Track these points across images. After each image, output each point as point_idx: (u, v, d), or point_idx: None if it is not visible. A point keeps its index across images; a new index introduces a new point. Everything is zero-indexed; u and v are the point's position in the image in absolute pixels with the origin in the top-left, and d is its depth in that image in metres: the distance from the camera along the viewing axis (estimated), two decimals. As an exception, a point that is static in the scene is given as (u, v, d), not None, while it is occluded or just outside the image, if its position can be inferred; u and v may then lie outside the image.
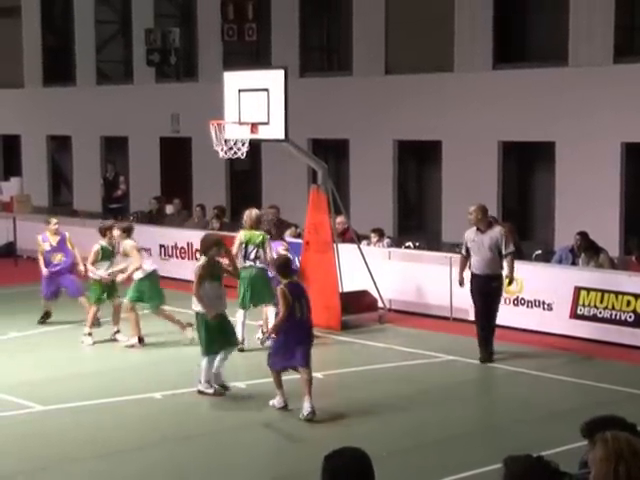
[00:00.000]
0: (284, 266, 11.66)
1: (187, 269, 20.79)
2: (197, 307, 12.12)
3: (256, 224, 14.91)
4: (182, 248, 21.15)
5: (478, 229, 14.11)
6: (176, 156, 26.94)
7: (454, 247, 18.90)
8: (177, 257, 21.24)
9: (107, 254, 15.30)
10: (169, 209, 24.31)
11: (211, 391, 12.06)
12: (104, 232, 15.50)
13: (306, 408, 11.14)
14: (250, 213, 15.02)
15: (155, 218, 23.89)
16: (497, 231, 14.08)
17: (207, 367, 12.09)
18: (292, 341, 11.19)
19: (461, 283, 14.46)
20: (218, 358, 12.08)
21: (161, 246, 21.47)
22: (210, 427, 11.14)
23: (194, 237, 21.06)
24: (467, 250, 14.20)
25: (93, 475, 9.79)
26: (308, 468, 9.83)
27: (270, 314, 14.39)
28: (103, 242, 15.39)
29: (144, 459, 10.22)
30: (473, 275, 14.14)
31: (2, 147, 26.86)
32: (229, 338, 12.26)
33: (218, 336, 12.02)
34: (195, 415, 11.63)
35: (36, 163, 30.81)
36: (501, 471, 4.66)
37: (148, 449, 10.50)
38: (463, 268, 14.39)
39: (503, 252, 13.84)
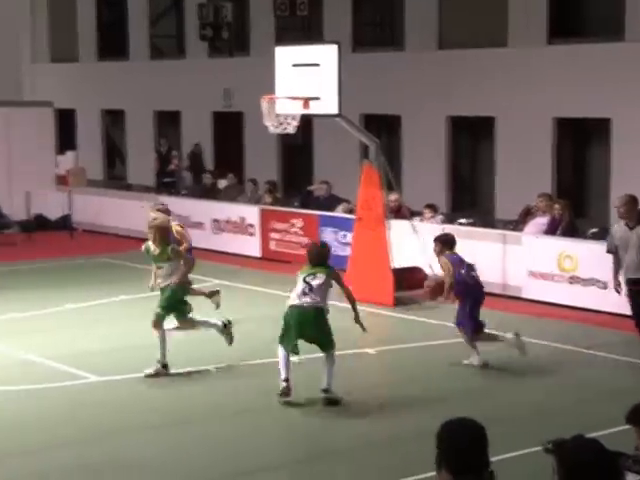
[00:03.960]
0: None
1: (239, 243, 21.00)
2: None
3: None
4: (235, 222, 21.27)
5: (626, 224, 12.78)
6: (228, 131, 27.05)
7: (507, 224, 18.84)
8: (229, 231, 21.36)
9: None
10: (222, 183, 24.44)
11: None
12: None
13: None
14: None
15: (208, 192, 24.03)
16: None
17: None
18: None
19: (618, 289, 13.05)
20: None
21: (214, 220, 21.61)
22: (262, 402, 11.22)
23: (246, 211, 21.20)
24: (616, 248, 12.88)
25: (147, 445, 9.91)
26: (379, 439, 9.93)
27: None
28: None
29: (194, 431, 10.33)
30: (627, 279, 12.84)
31: (58, 121, 27.08)
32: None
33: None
34: (247, 389, 11.72)
35: (91, 137, 31.08)
36: (559, 457, 4.43)
37: (199, 422, 10.60)
38: (617, 270, 12.99)
39: None
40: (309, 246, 12.10)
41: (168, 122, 28.96)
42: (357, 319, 11.46)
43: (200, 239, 20.19)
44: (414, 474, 8.85)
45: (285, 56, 16.33)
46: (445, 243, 12.60)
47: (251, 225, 20.95)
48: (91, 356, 12.89)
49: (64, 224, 24.44)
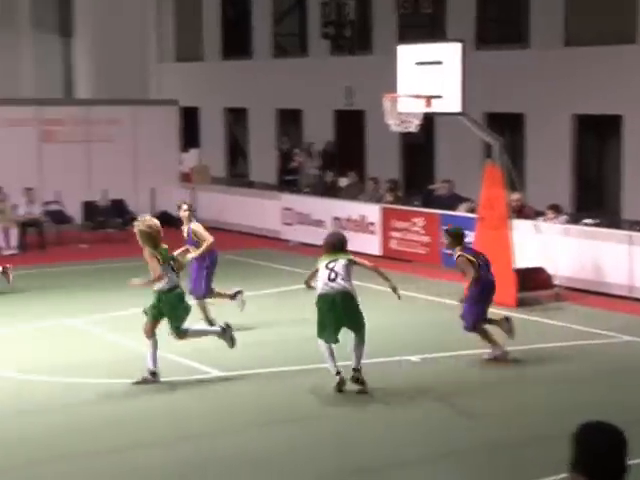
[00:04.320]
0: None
1: (360, 242, 21.00)
2: None
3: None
4: (355, 220, 21.28)
5: None
6: (350, 129, 27.08)
7: (634, 225, 18.40)
8: (350, 230, 21.36)
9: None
10: (343, 181, 24.48)
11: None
12: None
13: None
14: None
15: (329, 190, 24.11)
16: None
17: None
18: None
19: None
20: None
21: (335, 218, 21.66)
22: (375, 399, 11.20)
23: (367, 210, 21.20)
24: None
25: (270, 440, 9.97)
26: (497, 440, 9.82)
27: None
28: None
29: (319, 426, 10.36)
30: None
31: (182, 119, 27.54)
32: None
33: None
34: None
35: (214, 135, 31.51)
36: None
37: (314, 419, 10.63)
38: None
39: None
40: (327, 236, 12.16)
41: (290, 120, 29.15)
42: (393, 288, 11.60)
43: (320, 237, 20.25)
44: (537, 477, 8.72)
45: (408, 54, 16.26)
46: (455, 237, 12.86)
47: (372, 223, 20.94)
48: (214, 351, 13.03)
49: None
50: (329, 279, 11.23)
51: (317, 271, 11.50)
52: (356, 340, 11.30)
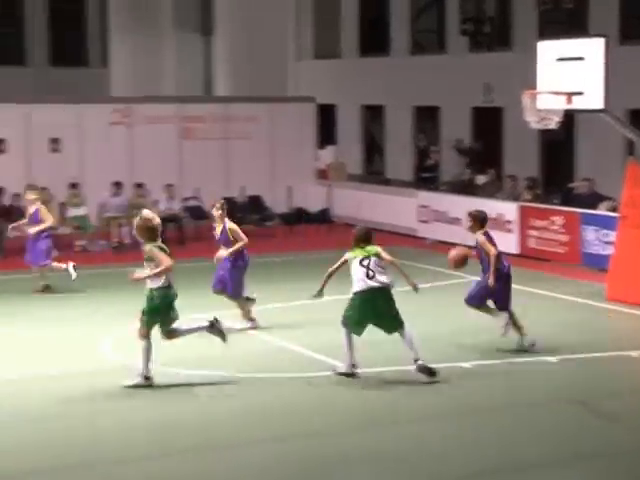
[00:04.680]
0: None
1: (497, 240, 20.68)
2: None
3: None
4: (493, 219, 20.96)
5: None
6: (488, 126, 26.77)
7: None
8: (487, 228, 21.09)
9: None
10: (481, 179, 24.22)
11: None
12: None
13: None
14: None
15: (466, 188, 23.89)
16: None
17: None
18: None
19: None
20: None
21: (471, 216, 21.42)
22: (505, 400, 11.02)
23: (505, 208, 20.91)
24: None
25: (407, 438, 9.92)
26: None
27: None
28: None
29: (458, 425, 10.26)
30: None
31: (319, 116, 27.68)
32: None
33: None
34: (501, 386, 11.55)
35: (350, 132, 31.57)
36: None
37: (427, 420, 10.52)
38: None
39: None
40: (356, 229, 12.19)
41: (427, 117, 28.99)
42: (411, 283, 11.85)
43: (456, 235, 20.10)
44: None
45: (548, 50, 15.95)
46: (477, 220, 13.00)
47: (509, 222, 20.65)
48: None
49: (323, 217, 24.94)
50: (368, 277, 11.51)
51: (343, 264, 11.74)
52: (403, 338, 11.63)
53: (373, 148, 31.78)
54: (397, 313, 11.67)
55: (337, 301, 15.81)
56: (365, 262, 11.59)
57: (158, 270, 11.32)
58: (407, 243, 22.18)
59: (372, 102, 30.82)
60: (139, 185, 22.82)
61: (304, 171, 25.97)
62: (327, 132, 30.65)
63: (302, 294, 16.05)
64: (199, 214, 23.62)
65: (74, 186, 22.59)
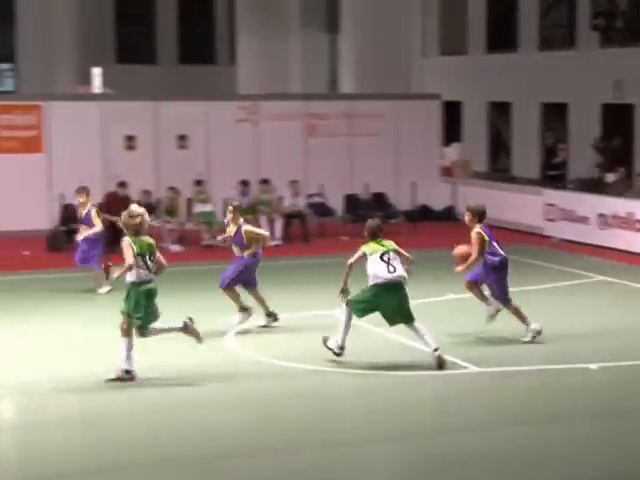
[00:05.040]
0: None
1: (626, 240, 20.23)
2: None
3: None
4: (622, 218, 20.52)
5: None
6: (617, 123, 26.15)
7: None
8: (616, 227, 20.65)
9: None
10: (610, 177, 23.68)
11: None
12: None
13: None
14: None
15: (595, 186, 23.39)
16: None
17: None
18: None
19: None
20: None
21: (600, 215, 20.99)
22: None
23: (635, 207, 20.40)
24: None
25: (524, 438, 9.75)
26: None
27: None
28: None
29: (571, 428, 10.03)
30: None
31: (445, 113, 27.47)
32: None
33: None
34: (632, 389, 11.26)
35: (476, 129, 31.25)
36: None
37: (585, 418, 10.29)
38: None
39: None
40: (369, 223, 12.47)
41: (554, 114, 28.48)
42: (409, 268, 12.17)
43: (584, 234, 19.72)
44: None
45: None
46: (476, 214, 13.31)
47: (639, 221, 20.15)
48: (472, 347, 12.89)
49: (448, 215, 24.73)
50: (389, 272, 11.88)
51: (361, 257, 12.04)
52: (413, 331, 12.00)
53: (499, 145, 31.39)
54: (409, 307, 12.02)
55: (461, 300, 15.72)
56: (385, 257, 11.95)
57: (122, 270, 11.42)
58: (532, 242, 21.83)
59: (499, 99, 30.44)
60: (265, 181, 23.00)
61: (429, 168, 25.81)
62: (452, 129, 30.39)
63: (429, 292, 16.05)
64: (323, 211, 23.68)
65: (199, 183, 22.90)
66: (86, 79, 31.48)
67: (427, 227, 23.77)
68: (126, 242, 11.48)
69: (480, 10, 31.16)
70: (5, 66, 42.41)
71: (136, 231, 11.50)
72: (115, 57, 38.97)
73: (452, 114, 30.65)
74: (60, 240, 21.11)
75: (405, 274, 11.97)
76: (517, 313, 13.13)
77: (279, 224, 22.41)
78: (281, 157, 24.31)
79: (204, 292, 15.71)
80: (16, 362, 12.50)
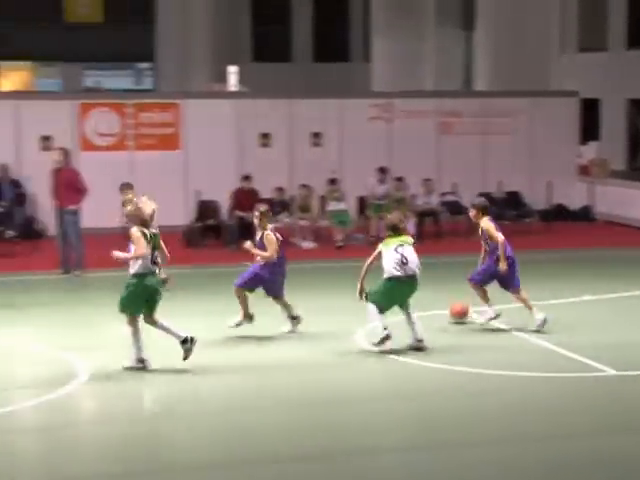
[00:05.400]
0: None
1: None
2: None
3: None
4: None
5: None
6: None
7: None
8: None
9: None
10: None
11: None
12: None
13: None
14: None
15: None
16: None
17: None
18: None
19: None
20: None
21: None
22: None
23: None
24: None
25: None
26: None
27: None
28: None
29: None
30: None
31: (582, 111, 26.93)
32: None
33: None
34: None
35: (614, 127, 30.55)
36: None
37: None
38: None
39: None
40: (389, 216, 12.90)
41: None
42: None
43: None
44: None
45: None
46: (480, 209, 13.68)
47: None
48: (611, 349, 12.58)
49: (585, 215, 24.27)
50: (402, 263, 12.23)
51: (378, 256, 12.33)
52: (407, 316, 12.42)
53: (638, 143, 30.63)
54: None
55: (597, 302, 15.40)
56: (400, 250, 12.27)
57: (130, 255, 11.53)
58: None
59: (638, 96, 29.69)
60: (399, 179, 22.92)
61: (565, 167, 25.32)
62: (590, 127, 29.79)
63: (564, 293, 15.76)
64: (457, 209, 23.47)
65: (333, 182, 22.95)
66: (222, 77, 32.00)
67: (562, 227, 23.34)
68: (137, 232, 11.57)
69: (621, 6, 30.45)
70: (145, 65, 43.50)
71: (146, 223, 11.68)
72: (251, 55, 39.51)
73: (590, 112, 30.04)
74: (196, 236, 21.49)
75: (418, 267, 12.33)
76: (526, 303, 13.64)
77: (412, 222, 22.31)
78: (414, 155, 24.19)
79: (335, 290, 15.74)
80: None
